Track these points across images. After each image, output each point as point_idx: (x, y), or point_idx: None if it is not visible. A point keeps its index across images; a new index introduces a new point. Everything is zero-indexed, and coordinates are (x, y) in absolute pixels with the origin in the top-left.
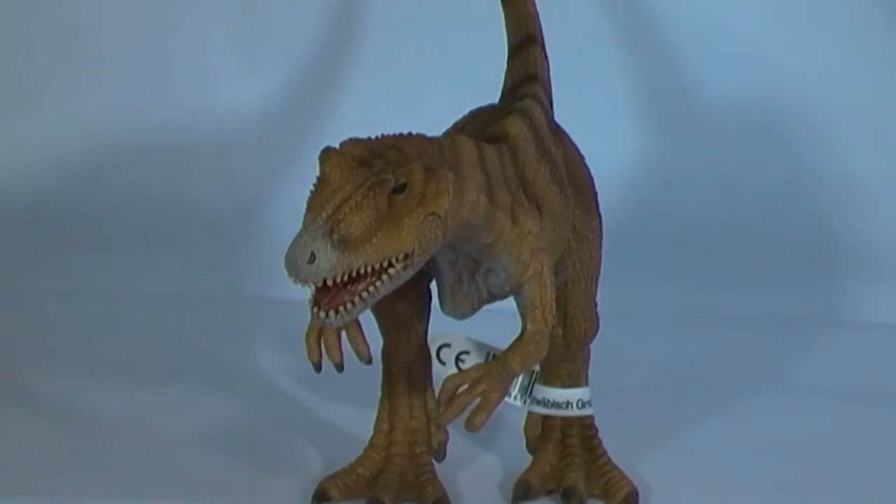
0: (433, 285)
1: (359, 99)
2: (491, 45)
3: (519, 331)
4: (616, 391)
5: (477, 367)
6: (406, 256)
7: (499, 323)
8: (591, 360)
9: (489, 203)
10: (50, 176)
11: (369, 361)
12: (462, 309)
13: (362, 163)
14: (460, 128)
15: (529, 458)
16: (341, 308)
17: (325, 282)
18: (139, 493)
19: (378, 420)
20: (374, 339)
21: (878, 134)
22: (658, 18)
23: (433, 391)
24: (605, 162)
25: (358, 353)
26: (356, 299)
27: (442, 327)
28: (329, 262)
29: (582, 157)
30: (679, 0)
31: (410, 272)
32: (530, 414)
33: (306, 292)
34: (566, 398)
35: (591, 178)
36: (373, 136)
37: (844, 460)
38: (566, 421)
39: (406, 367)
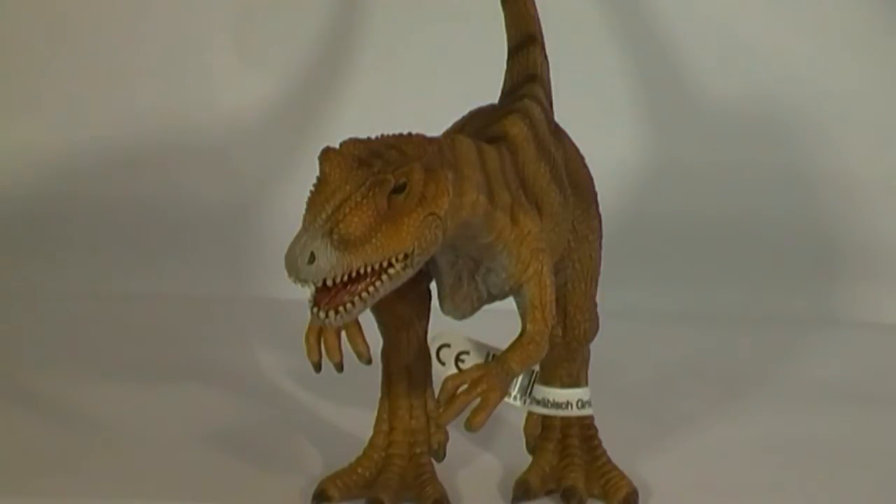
0: (433, 285)
1: (359, 99)
2: (491, 45)
3: (519, 331)
4: (616, 391)
5: (477, 367)
6: (406, 256)
7: (499, 323)
8: (591, 360)
9: (489, 203)
10: (50, 176)
11: (369, 361)
12: (462, 309)
13: (362, 163)
14: (460, 128)
15: (529, 458)
16: (341, 308)
17: (324, 282)
18: (139, 493)
19: (378, 420)
20: (374, 339)
21: (878, 134)
22: (658, 18)
23: (433, 391)
24: (604, 162)
25: (358, 353)
26: (356, 299)
27: (442, 327)
28: (329, 262)
29: (582, 158)
30: (679, 0)
31: (410, 272)
32: (530, 414)
33: (306, 292)
34: (566, 398)
35: (591, 179)
36: (373, 136)
37: (844, 460)
38: (566, 421)
39: (406, 367)
